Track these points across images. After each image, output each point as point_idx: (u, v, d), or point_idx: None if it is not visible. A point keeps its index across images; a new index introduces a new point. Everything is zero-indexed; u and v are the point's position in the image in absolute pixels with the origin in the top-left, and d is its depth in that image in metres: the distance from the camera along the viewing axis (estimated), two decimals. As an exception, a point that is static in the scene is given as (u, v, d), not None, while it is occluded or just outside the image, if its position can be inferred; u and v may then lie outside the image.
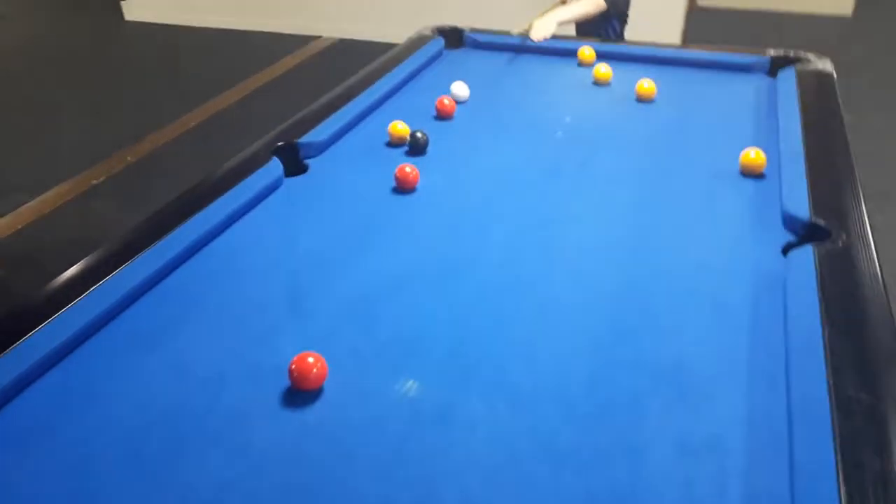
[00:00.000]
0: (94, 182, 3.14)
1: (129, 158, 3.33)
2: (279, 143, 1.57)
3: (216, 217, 1.32)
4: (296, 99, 3.87)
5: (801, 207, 1.30)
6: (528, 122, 1.79)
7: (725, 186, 1.47)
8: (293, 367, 0.93)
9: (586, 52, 2.10)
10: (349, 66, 4.35)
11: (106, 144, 3.44)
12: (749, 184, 1.47)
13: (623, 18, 2.45)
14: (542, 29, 2.16)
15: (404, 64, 2.02)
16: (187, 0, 5.15)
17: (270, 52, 4.63)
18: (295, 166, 1.55)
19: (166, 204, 1.36)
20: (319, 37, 4.91)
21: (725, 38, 4.90)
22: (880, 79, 4.00)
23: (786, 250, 1.24)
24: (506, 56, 2.21)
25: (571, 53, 2.15)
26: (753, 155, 1.49)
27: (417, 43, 2.17)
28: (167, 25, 5.16)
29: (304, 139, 1.60)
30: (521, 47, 2.23)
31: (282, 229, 1.36)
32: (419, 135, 1.61)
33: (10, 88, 4.28)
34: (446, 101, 1.80)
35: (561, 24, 2.22)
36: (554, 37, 2.18)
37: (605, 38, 2.36)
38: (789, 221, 1.30)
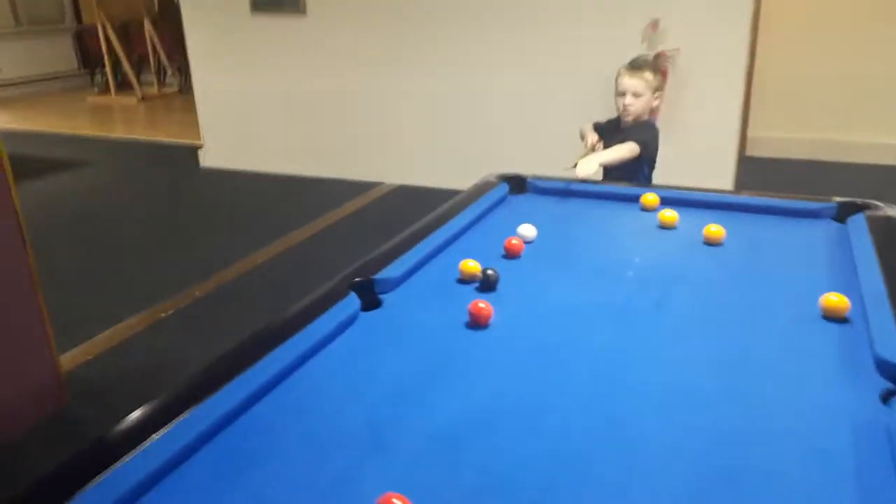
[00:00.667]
0: (163, 315, 3.24)
1: (196, 293, 3.45)
2: (356, 279, 1.61)
3: (296, 350, 1.34)
4: (359, 239, 4.09)
5: (894, 353, 1.25)
6: (597, 262, 1.81)
7: (809, 330, 1.44)
8: (379, 506, 0.90)
9: (649, 196, 2.16)
10: (409, 210, 4.61)
11: (176, 281, 3.59)
12: (833, 328, 1.44)
13: (652, 164, 2.63)
14: (587, 167, 2.31)
15: (471, 207, 2.10)
16: (257, 149, 5.54)
17: (335, 197, 4.88)
18: (370, 301, 1.59)
19: (248, 336, 1.39)
20: (381, 183, 5.16)
21: (776, 186, 4.98)
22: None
23: (885, 398, 1.18)
24: (568, 201, 2.28)
25: (634, 199, 2.20)
26: (836, 298, 1.47)
27: (483, 188, 2.27)
28: (238, 171, 5.52)
29: (380, 275, 1.64)
30: (583, 192, 2.30)
31: (360, 363, 1.36)
32: (490, 272, 1.64)
33: (89, 227, 4.56)
34: (514, 241, 1.84)
35: (602, 165, 2.35)
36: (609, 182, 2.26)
37: (636, 181, 2.48)
38: (884, 367, 1.25)
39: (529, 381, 1.27)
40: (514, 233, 1.92)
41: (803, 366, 1.31)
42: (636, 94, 2.54)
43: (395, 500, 0.91)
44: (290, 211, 4.70)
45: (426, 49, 4.83)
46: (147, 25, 8.02)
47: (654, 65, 2.62)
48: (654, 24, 4.21)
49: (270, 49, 5.24)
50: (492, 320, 1.48)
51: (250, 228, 4.41)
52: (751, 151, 5.60)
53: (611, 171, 2.56)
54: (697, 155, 4.43)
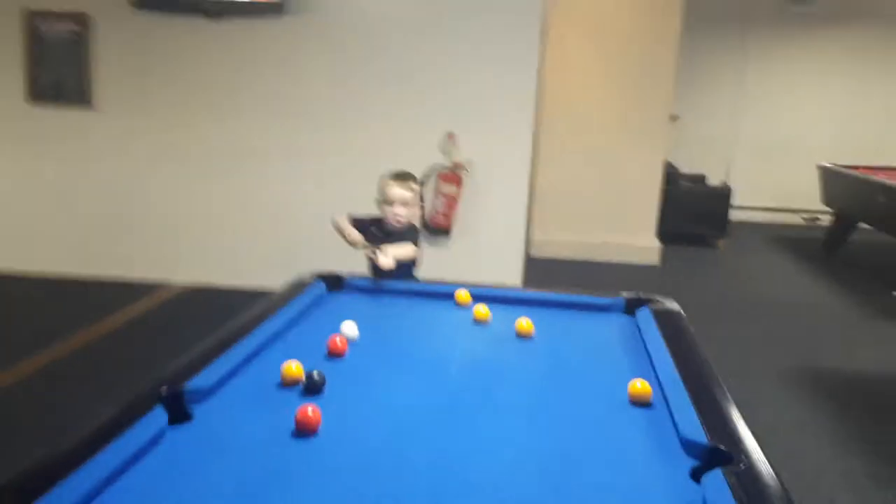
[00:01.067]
0: None
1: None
2: (162, 389, 1.44)
3: (89, 480, 1.14)
4: (144, 349, 3.71)
5: (698, 433, 1.37)
6: (421, 359, 1.80)
7: (619, 415, 1.54)
8: None
9: (462, 293, 2.23)
10: (200, 313, 4.34)
11: None
12: (640, 412, 1.55)
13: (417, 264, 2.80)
14: (386, 260, 2.42)
15: (288, 306, 2.01)
16: (27, 247, 4.91)
17: (117, 299, 4.43)
18: (179, 414, 1.42)
19: (29, 465, 1.16)
20: (167, 283, 4.80)
21: (557, 282, 5.47)
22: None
23: (694, 474, 1.28)
24: (386, 299, 2.29)
25: (448, 296, 2.26)
26: (640, 385, 1.59)
27: (299, 287, 2.20)
28: (2, 273, 4.83)
29: (190, 384, 1.49)
30: (400, 290, 2.32)
31: (170, 489, 1.19)
32: (316, 375, 1.56)
33: None
34: (338, 340, 1.78)
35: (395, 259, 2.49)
36: (430, 282, 2.31)
37: (410, 279, 2.64)
38: (689, 447, 1.36)
39: (364, 493, 1.19)
40: (335, 331, 1.86)
41: (619, 451, 1.38)
42: (405, 204, 2.69)
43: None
44: (63, 316, 4.17)
45: (218, 143, 4.71)
46: None
47: (414, 177, 2.78)
48: (452, 136, 4.52)
49: (48, 141, 4.77)
50: (320, 426, 1.39)
51: (9, 338, 3.83)
52: (534, 252, 6.11)
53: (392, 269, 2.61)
54: (488, 255, 4.74)
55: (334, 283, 2.32)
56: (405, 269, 2.64)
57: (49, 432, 2.76)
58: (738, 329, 4.52)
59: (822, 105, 8.34)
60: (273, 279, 4.61)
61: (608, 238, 6.20)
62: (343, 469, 1.26)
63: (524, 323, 1.97)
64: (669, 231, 6.58)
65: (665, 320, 2.05)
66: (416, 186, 2.76)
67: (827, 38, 8.17)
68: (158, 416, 1.36)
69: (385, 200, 2.69)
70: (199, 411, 1.44)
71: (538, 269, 5.49)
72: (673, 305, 2.20)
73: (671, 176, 6.76)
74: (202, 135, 4.72)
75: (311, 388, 1.56)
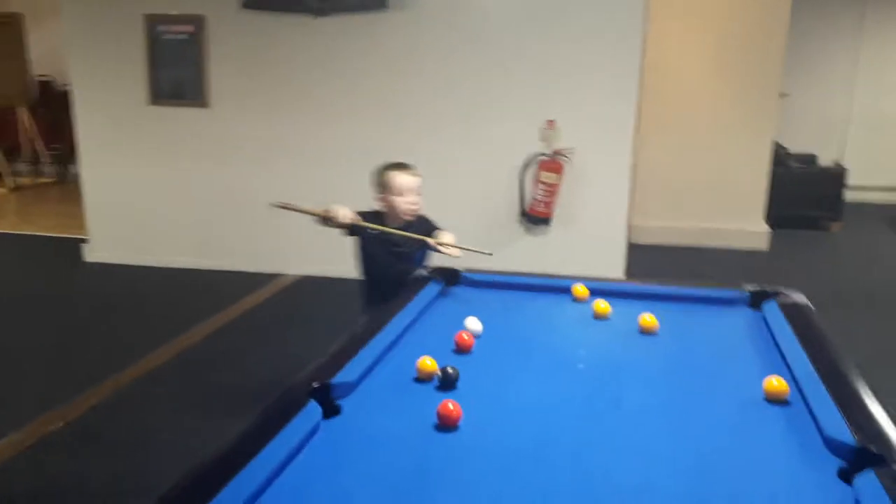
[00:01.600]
0: (51, 429, 2.92)
1: (90, 402, 3.16)
2: (314, 384, 1.55)
3: (262, 471, 1.24)
4: (263, 336, 3.93)
5: (843, 432, 1.34)
6: (547, 355, 1.84)
7: (757, 415, 1.52)
8: None
9: (580, 288, 2.25)
10: (316, 302, 4.54)
11: (64, 389, 3.27)
12: (777, 411, 1.53)
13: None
14: (454, 249, 2.47)
15: (413, 303, 2.09)
16: (147, 240, 5.27)
17: (234, 291, 4.69)
18: (329, 408, 1.52)
19: (208, 457, 1.28)
20: (282, 274, 5.04)
21: (661, 271, 5.36)
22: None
23: (843, 475, 1.26)
24: (502, 293, 2.33)
25: (564, 290, 2.29)
26: (776, 382, 1.57)
27: (420, 283, 2.27)
28: (129, 266, 5.21)
29: (336, 379, 1.59)
30: (516, 284, 2.37)
31: (330, 479, 1.28)
32: (450, 370, 1.63)
33: (-44, 331, 4.10)
34: (465, 336, 1.85)
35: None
36: (543, 275, 2.35)
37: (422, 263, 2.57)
38: (835, 447, 1.33)
39: (508, 491, 1.24)
40: (460, 327, 1.92)
41: (761, 454, 1.37)
42: (416, 191, 2.56)
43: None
44: (188, 306, 4.47)
45: (326, 139, 4.88)
46: (22, 112, 7.59)
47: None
48: (551, 123, 4.51)
49: (168, 140, 5.09)
50: (460, 421, 1.45)
51: (144, 328, 4.13)
52: (634, 239, 6.00)
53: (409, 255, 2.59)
54: (591, 244, 4.70)
55: (451, 278, 2.38)
56: (419, 256, 2.58)
57: (197, 410, 2.98)
58: (856, 317, 4.29)
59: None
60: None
61: (714, 223, 6.01)
62: (485, 465, 1.32)
63: (648, 318, 1.97)
64: (779, 214, 6.29)
65: (794, 315, 1.99)
66: (420, 174, 2.59)
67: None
68: (313, 410, 1.46)
69: (392, 192, 2.52)
70: (347, 405, 1.54)
71: (641, 256, 5.38)
72: (801, 299, 2.13)
73: (780, 156, 6.45)
74: (310, 131, 4.90)
75: (446, 383, 1.62)
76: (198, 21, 4.84)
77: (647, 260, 5.45)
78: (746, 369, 1.73)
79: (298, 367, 1.71)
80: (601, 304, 2.10)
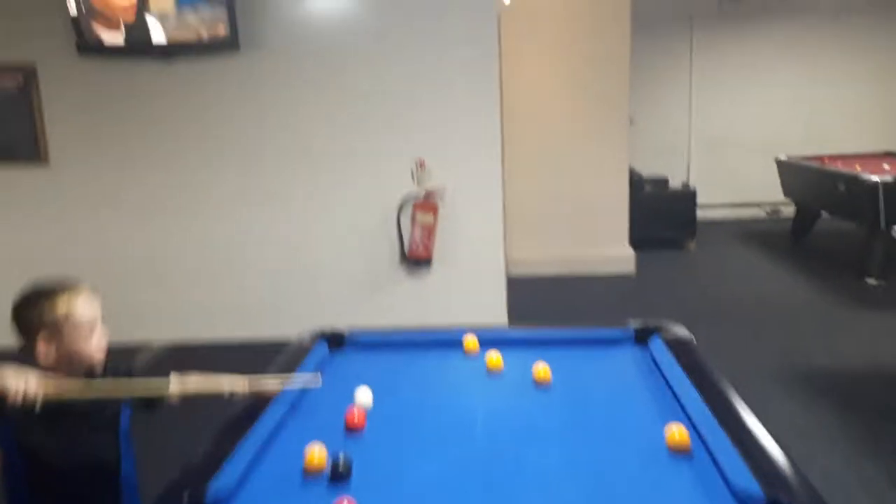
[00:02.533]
0: None
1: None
2: (186, 491, 1.34)
3: None
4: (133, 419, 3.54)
5: (750, 482, 1.33)
6: (443, 422, 1.73)
7: (662, 467, 1.49)
8: None
9: (470, 340, 2.17)
10: (183, 370, 4.17)
11: None
12: (682, 462, 1.51)
13: None
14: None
15: (298, 374, 1.92)
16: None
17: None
18: (205, 519, 1.32)
19: None
20: (148, 345, 4.62)
21: (541, 303, 5.46)
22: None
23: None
24: (390, 353, 2.21)
25: (454, 344, 2.20)
26: (678, 434, 1.55)
27: (301, 351, 2.10)
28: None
29: (214, 484, 1.39)
30: (404, 342, 2.25)
31: None
32: (342, 461, 1.48)
33: None
34: (356, 413, 1.70)
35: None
36: (432, 329, 2.25)
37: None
38: (744, 499, 1.32)
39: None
40: (348, 400, 1.78)
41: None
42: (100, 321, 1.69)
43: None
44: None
45: (182, 197, 4.57)
46: None
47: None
48: (422, 163, 4.47)
49: (2, 203, 4.57)
50: (359, 518, 1.31)
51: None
52: (511, 271, 6.08)
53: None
54: (471, 282, 4.69)
55: (336, 341, 2.23)
56: (123, 417, 1.73)
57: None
58: (722, 331, 4.55)
59: (769, 98, 8.52)
60: (256, 329, 4.56)
61: (583, 251, 6.21)
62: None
63: (541, 370, 1.92)
64: (639, 237, 6.62)
65: (679, 350, 2.02)
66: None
67: (758, 34, 8.35)
68: (186, 529, 1.26)
69: (72, 333, 1.59)
70: (226, 513, 1.35)
71: (519, 289, 5.44)
72: (683, 332, 2.17)
73: (635, 181, 6.82)
74: (165, 182, 4.56)
75: (338, 476, 1.47)
76: (27, 70, 4.40)
77: (527, 292, 5.53)
78: (644, 416, 1.72)
79: (172, 465, 1.50)
80: (493, 358, 2.03)
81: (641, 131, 8.25)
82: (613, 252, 6.26)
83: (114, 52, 4.31)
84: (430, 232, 4.55)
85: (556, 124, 6.16)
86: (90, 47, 4.27)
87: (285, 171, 4.53)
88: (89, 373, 1.65)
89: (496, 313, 4.66)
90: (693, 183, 8.01)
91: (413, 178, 4.50)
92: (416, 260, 4.58)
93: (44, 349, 1.58)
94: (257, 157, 4.52)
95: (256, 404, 1.74)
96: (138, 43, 4.23)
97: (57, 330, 1.58)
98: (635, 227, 6.47)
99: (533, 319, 4.78)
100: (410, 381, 2.00)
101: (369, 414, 1.75)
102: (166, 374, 1.66)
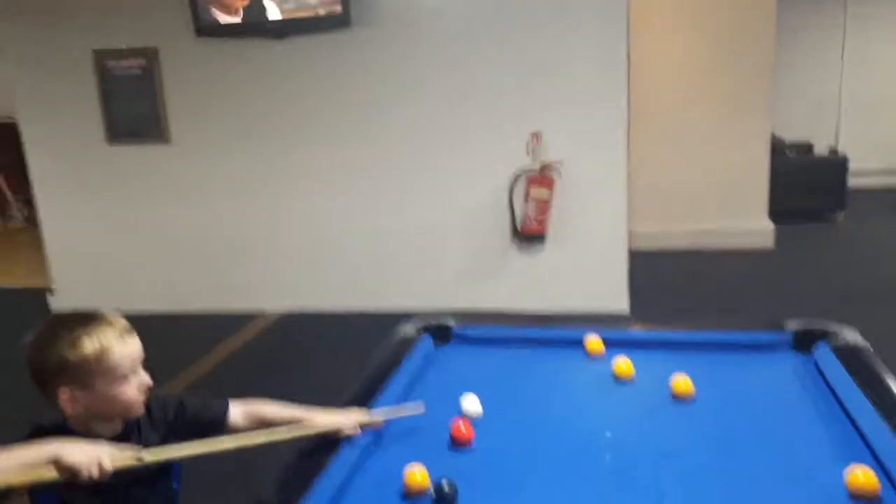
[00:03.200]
0: None
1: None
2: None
3: None
4: (245, 385, 3.56)
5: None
6: (565, 443, 1.49)
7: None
8: None
9: (593, 341, 1.90)
10: (300, 342, 4.19)
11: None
12: (867, 512, 1.20)
13: None
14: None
15: (397, 378, 1.74)
16: (114, 286, 4.88)
17: (211, 335, 4.34)
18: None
19: None
20: (262, 313, 4.68)
21: (665, 277, 5.04)
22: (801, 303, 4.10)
23: None
24: (501, 350, 1.99)
25: (575, 343, 1.94)
26: (862, 476, 1.23)
27: (403, 346, 1.92)
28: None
29: (302, 510, 1.23)
30: (516, 338, 2.02)
31: None
32: (446, 487, 1.28)
33: None
34: (462, 428, 1.50)
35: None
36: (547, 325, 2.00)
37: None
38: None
39: None
40: (454, 409, 1.58)
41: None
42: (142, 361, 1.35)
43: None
44: (164, 355, 4.06)
45: (294, 166, 4.54)
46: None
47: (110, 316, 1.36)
48: (537, 137, 4.18)
49: (129, 180, 4.73)
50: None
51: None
52: (633, 246, 5.67)
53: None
54: (589, 260, 4.38)
55: (441, 334, 2.03)
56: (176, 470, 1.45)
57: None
58: (877, 319, 3.96)
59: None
60: (361, 300, 4.50)
61: (715, 224, 5.68)
62: None
63: (682, 383, 1.63)
64: (779, 209, 5.97)
65: (855, 365, 1.65)
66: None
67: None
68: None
69: (110, 377, 1.27)
70: (315, 546, 1.19)
71: (642, 264, 5.04)
72: (857, 339, 1.79)
73: (775, 146, 6.15)
74: (279, 160, 4.55)
75: (442, 503, 1.28)
76: (150, 54, 4.48)
77: (649, 268, 5.12)
78: (814, 448, 1.40)
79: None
80: (622, 365, 1.75)
81: (784, 90, 7.44)
82: (749, 225, 5.69)
83: (229, 31, 4.30)
84: (544, 207, 4.26)
85: (688, 87, 5.63)
86: (208, 28, 4.27)
87: (396, 147, 4.39)
88: (133, 419, 1.35)
89: (616, 294, 4.33)
90: (842, 148, 7.16)
91: (528, 151, 4.21)
92: (528, 235, 4.32)
93: (68, 398, 1.26)
94: (368, 132, 4.40)
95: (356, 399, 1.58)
96: (254, 22, 4.19)
97: (85, 373, 1.25)
98: (775, 198, 5.84)
99: (656, 302, 4.42)
100: (524, 387, 1.77)
101: (477, 425, 1.54)
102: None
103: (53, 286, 4.99)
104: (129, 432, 1.34)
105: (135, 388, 1.31)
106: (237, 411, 1.48)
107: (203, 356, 4.02)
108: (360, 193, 4.50)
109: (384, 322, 2.14)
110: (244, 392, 1.57)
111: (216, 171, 4.62)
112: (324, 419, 1.48)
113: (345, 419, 1.49)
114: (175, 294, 4.81)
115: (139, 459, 1.24)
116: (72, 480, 1.16)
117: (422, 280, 4.48)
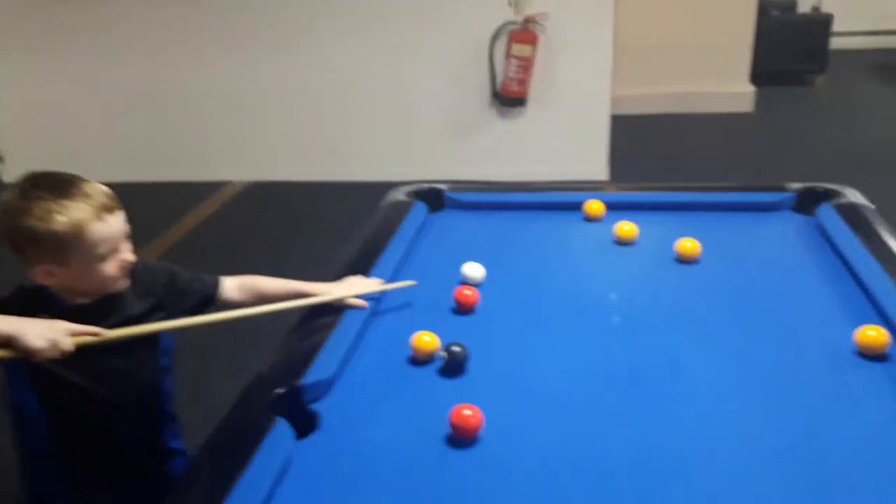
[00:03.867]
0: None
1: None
2: (277, 392, 1.16)
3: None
4: (215, 254, 3.48)
5: None
6: (569, 305, 1.46)
7: (852, 374, 1.19)
8: None
9: (594, 205, 1.84)
10: (268, 211, 4.08)
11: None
12: (878, 369, 1.20)
13: None
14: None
15: (392, 245, 1.67)
16: (73, 153, 4.61)
17: (178, 204, 4.18)
18: (300, 420, 1.14)
19: None
20: (229, 182, 4.52)
21: (644, 141, 4.96)
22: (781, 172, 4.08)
23: None
24: (497, 215, 1.92)
25: (573, 206, 1.88)
26: (872, 332, 1.23)
27: (397, 213, 1.84)
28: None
29: (306, 380, 1.19)
30: (512, 203, 1.95)
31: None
32: (457, 349, 1.25)
33: None
34: (467, 292, 1.45)
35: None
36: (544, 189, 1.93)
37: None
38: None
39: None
40: (454, 272, 1.53)
41: (877, 432, 1.06)
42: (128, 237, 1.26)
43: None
44: (131, 225, 3.96)
45: (265, 35, 4.22)
46: None
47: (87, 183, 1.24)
48: (521, -16, 3.91)
49: (86, 33, 4.33)
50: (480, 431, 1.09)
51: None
52: (613, 110, 5.53)
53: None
54: (569, 123, 4.25)
55: (434, 200, 1.95)
56: (167, 343, 1.36)
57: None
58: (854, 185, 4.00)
59: None
60: (333, 169, 4.35)
61: (696, 86, 5.53)
62: (521, 481, 0.98)
63: (688, 244, 1.59)
64: (760, 71, 5.82)
65: (858, 222, 1.63)
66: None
67: None
68: (281, 435, 1.07)
69: (91, 254, 1.16)
70: (325, 413, 1.15)
71: (622, 128, 4.93)
72: (859, 198, 1.76)
73: (762, 7, 5.90)
74: (241, 16, 4.21)
75: (452, 366, 1.25)
76: None
77: (628, 132, 5.01)
78: (820, 306, 1.40)
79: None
80: (624, 227, 1.70)
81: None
82: (730, 88, 5.56)
83: None
84: (526, 66, 4.07)
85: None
86: None
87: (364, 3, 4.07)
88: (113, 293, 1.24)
89: (595, 157, 4.26)
90: (827, 6, 6.91)
91: (509, 2, 3.94)
92: (508, 98, 4.15)
93: (43, 272, 1.16)
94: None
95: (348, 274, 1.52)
96: None
97: (59, 250, 1.14)
98: (757, 60, 5.67)
99: (634, 166, 4.36)
100: (524, 251, 1.72)
101: (481, 290, 1.49)
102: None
103: (1, 155, 4.71)
104: (110, 299, 1.25)
105: (115, 266, 1.20)
106: (232, 283, 1.40)
107: (168, 229, 3.88)
108: (330, 50, 4.21)
109: (357, 192, 2.02)
110: (222, 260, 1.49)
111: (182, 23, 4.25)
112: (326, 290, 1.41)
113: (349, 290, 1.43)
114: (137, 161, 4.58)
115: (98, 335, 1.16)
116: (28, 359, 1.10)
117: (395, 147, 4.33)
